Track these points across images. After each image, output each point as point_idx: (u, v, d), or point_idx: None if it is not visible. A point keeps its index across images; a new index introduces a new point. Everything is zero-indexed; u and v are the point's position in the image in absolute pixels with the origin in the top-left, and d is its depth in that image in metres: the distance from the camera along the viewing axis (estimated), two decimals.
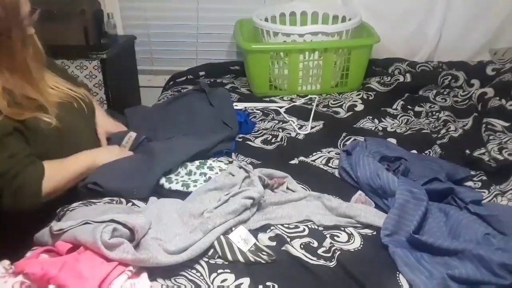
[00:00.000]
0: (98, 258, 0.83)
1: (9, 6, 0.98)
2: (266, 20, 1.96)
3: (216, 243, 0.96)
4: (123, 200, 1.14)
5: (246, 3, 2.12)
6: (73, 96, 1.25)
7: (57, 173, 1.07)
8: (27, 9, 1.05)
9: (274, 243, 1.00)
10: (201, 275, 0.91)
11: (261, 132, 1.54)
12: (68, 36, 1.96)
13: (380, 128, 1.59)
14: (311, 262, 0.94)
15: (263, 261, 0.94)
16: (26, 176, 1.01)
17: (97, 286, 0.78)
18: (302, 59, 1.78)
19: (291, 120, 1.63)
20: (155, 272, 0.88)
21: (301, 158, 1.38)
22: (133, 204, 1.12)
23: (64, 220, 1.00)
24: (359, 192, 1.18)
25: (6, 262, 0.84)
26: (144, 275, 0.85)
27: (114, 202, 1.13)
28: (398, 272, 0.92)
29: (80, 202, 1.10)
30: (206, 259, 0.94)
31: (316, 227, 1.05)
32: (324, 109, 1.73)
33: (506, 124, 1.48)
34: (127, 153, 1.29)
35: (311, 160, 1.37)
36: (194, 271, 0.91)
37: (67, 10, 1.94)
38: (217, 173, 1.25)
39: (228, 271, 0.92)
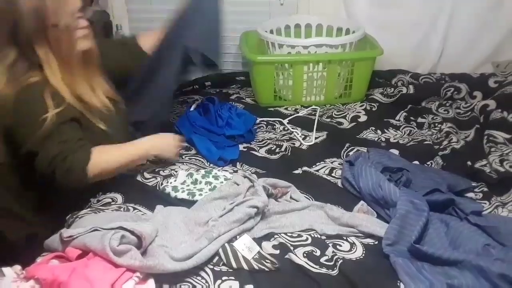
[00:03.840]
0: (107, 264, 0.85)
1: None
2: (271, 32, 2.00)
3: (221, 251, 0.98)
4: (130, 207, 1.17)
5: (251, 15, 2.16)
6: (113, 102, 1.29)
7: (105, 159, 1.13)
8: (76, 3, 1.11)
9: (277, 251, 1.02)
10: (206, 282, 0.93)
11: (266, 142, 1.57)
12: None
13: (383, 139, 1.61)
14: (314, 270, 0.96)
15: (266, 269, 0.96)
16: (74, 160, 1.08)
17: None
18: (306, 70, 1.81)
19: (295, 131, 1.65)
20: (161, 278, 0.91)
21: (305, 168, 1.40)
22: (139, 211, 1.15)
23: (74, 227, 1.03)
24: (361, 202, 1.20)
25: (18, 267, 0.87)
26: (151, 281, 0.88)
27: (122, 209, 1.16)
28: (399, 281, 0.94)
29: (89, 209, 1.13)
30: (211, 266, 0.97)
31: (319, 236, 1.08)
32: (328, 120, 1.75)
33: (508, 136, 1.49)
34: (179, 140, 1.33)
35: (315, 170, 1.40)
36: (199, 278, 0.94)
37: None
38: (222, 182, 1.28)
39: (233, 278, 0.94)
